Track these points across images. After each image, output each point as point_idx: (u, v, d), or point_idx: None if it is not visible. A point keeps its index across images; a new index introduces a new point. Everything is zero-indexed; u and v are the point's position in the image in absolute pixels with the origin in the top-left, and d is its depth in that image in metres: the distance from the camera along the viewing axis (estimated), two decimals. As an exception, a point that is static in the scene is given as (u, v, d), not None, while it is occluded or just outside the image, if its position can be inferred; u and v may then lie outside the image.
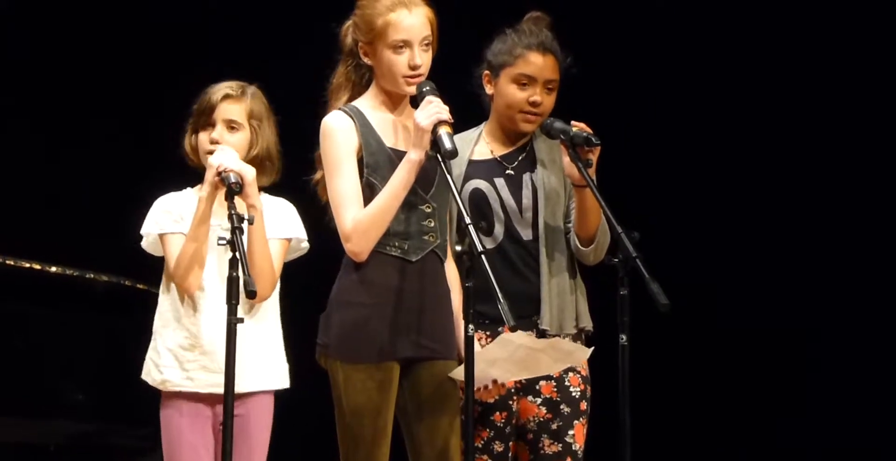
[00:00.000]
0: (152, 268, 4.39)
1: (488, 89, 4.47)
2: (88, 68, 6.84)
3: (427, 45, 4.11)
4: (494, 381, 4.17)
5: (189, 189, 4.37)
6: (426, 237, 4.12)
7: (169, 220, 4.29)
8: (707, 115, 6.51)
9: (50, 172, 6.76)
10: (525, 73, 4.39)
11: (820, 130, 6.43)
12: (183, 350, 4.24)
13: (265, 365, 4.26)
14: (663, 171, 6.45)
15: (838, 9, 6.36)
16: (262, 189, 4.30)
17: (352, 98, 4.20)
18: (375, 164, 4.08)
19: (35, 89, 6.78)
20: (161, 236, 4.29)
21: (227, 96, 4.31)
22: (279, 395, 4.31)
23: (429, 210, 4.13)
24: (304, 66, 6.50)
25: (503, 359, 4.08)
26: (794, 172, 6.49)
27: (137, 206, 4.41)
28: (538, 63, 4.39)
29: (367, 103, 4.17)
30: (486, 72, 4.47)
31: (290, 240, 4.33)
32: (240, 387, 4.07)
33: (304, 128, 4.41)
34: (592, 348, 4.25)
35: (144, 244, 4.34)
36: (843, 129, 6.42)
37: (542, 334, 4.33)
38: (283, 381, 4.32)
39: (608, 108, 4.46)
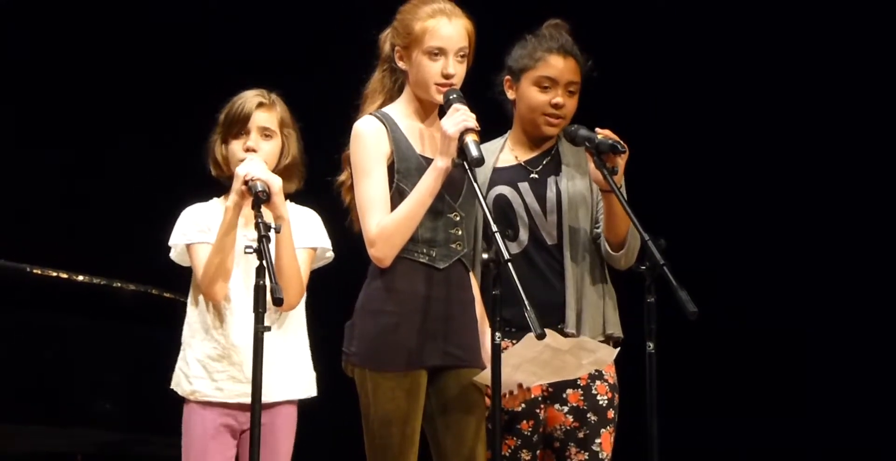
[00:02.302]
0: (182, 279, 4.37)
1: (510, 95, 4.47)
2: (92, 71, 6.81)
3: (462, 56, 4.11)
4: (520, 386, 4.16)
5: (216, 199, 4.35)
6: (453, 245, 4.12)
7: (195, 231, 4.28)
8: (707, 117, 6.53)
9: (68, 180, 6.77)
10: (546, 75, 4.39)
11: (823, 130, 6.45)
12: (212, 361, 4.23)
13: (291, 374, 4.25)
14: (662, 170, 6.46)
15: (838, 9, 6.38)
16: (288, 197, 4.28)
17: (384, 104, 4.19)
18: (407, 170, 4.08)
19: (41, 91, 6.76)
20: (188, 246, 4.28)
21: (260, 104, 4.29)
22: (305, 404, 4.30)
23: (457, 219, 4.13)
24: (307, 67, 6.56)
25: (528, 361, 4.06)
26: (794, 172, 6.51)
27: (164, 216, 4.39)
28: (559, 65, 4.40)
29: (399, 110, 4.16)
30: (507, 77, 4.47)
31: (315, 249, 4.32)
32: (266, 396, 4.06)
33: (310, 131, 4.41)
34: (619, 348, 4.24)
35: (173, 255, 4.33)
36: (846, 129, 6.44)
37: (566, 338, 4.33)
38: (309, 390, 4.31)
39: (605, 110, 4.48)
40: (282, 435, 4.23)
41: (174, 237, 4.31)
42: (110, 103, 6.84)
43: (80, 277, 5.28)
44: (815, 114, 6.45)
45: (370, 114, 4.15)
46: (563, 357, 4.09)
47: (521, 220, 4.40)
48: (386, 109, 4.17)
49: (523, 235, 4.39)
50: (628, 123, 4.38)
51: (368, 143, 4.08)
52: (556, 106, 4.40)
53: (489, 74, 4.47)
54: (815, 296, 6.42)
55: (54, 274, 5.23)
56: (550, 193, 4.41)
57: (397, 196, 4.06)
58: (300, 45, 6.79)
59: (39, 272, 5.19)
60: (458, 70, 4.09)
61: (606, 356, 4.21)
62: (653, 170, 6.34)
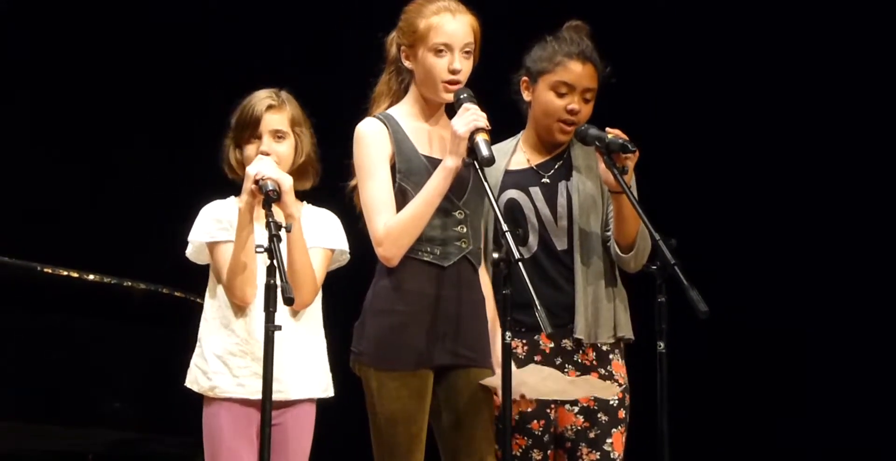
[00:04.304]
0: (196, 277, 4.34)
1: (526, 96, 4.45)
2: (94, 71, 6.81)
3: (468, 52, 4.11)
4: (522, 396, 4.15)
5: (233, 197, 4.28)
6: (458, 243, 4.12)
7: (218, 229, 4.22)
8: (707, 117, 6.53)
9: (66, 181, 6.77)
10: (564, 80, 4.37)
11: (824, 131, 6.46)
12: (232, 356, 4.17)
13: (310, 373, 4.22)
14: (661, 171, 6.45)
15: (838, 9, 6.39)
16: (305, 194, 4.26)
17: (390, 106, 4.19)
18: (408, 170, 4.08)
19: (42, 92, 6.75)
20: (210, 245, 4.22)
21: (270, 107, 4.25)
22: (318, 403, 4.27)
23: (461, 216, 4.12)
24: (308, 67, 6.55)
25: (532, 383, 4.10)
26: (794, 173, 6.52)
27: (174, 216, 4.37)
28: (577, 71, 4.37)
29: (403, 111, 4.16)
30: (525, 78, 4.44)
31: (333, 250, 4.28)
32: (286, 394, 4.08)
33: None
34: (621, 387, 4.30)
35: (189, 251, 4.27)
36: (846, 129, 6.45)
37: (576, 343, 4.33)
38: (326, 390, 4.27)
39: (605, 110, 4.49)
40: (301, 433, 4.19)
41: (195, 233, 4.25)
42: (113, 103, 6.84)
43: (91, 276, 5.27)
44: (815, 114, 6.46)
45: (372, 115, 4.15)
46: (565, 385, 4.13)
47: (531, 226, 4.39)
48: (390, 111, 4.16)
49: (533, 241, 4.38)
50: (627, 124, 4.38)
51: (370, 144, 4.08)
52: (571, 112, 4.38)
53: (491, 71, 4.46)
54: (815, 296, 6.42)
55: (65, 273, 5.22)
56: (562, 199, 4.40)
57: (400, 196, 4.06)
58: (300, 45, 6.79)
59: (50, 271, 5.18)
60: (464, 66, 4.09)
61: (607, 394, 4.27)
62: (652, 170, 6.36)
